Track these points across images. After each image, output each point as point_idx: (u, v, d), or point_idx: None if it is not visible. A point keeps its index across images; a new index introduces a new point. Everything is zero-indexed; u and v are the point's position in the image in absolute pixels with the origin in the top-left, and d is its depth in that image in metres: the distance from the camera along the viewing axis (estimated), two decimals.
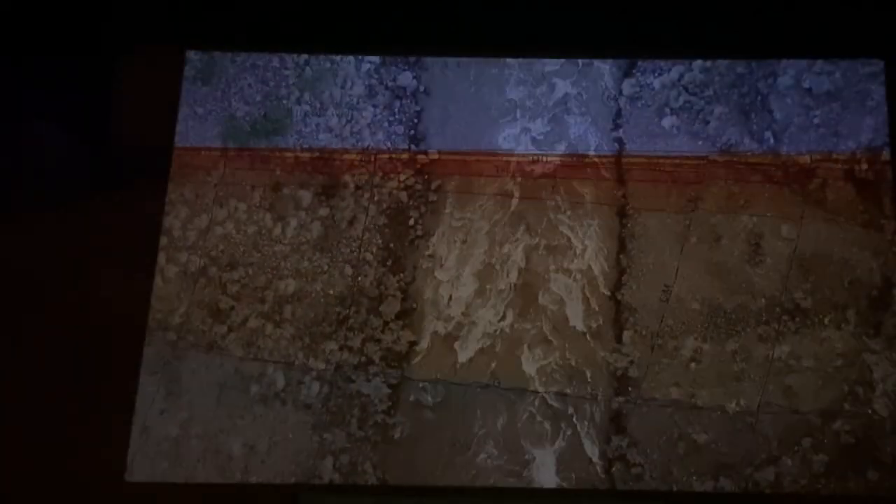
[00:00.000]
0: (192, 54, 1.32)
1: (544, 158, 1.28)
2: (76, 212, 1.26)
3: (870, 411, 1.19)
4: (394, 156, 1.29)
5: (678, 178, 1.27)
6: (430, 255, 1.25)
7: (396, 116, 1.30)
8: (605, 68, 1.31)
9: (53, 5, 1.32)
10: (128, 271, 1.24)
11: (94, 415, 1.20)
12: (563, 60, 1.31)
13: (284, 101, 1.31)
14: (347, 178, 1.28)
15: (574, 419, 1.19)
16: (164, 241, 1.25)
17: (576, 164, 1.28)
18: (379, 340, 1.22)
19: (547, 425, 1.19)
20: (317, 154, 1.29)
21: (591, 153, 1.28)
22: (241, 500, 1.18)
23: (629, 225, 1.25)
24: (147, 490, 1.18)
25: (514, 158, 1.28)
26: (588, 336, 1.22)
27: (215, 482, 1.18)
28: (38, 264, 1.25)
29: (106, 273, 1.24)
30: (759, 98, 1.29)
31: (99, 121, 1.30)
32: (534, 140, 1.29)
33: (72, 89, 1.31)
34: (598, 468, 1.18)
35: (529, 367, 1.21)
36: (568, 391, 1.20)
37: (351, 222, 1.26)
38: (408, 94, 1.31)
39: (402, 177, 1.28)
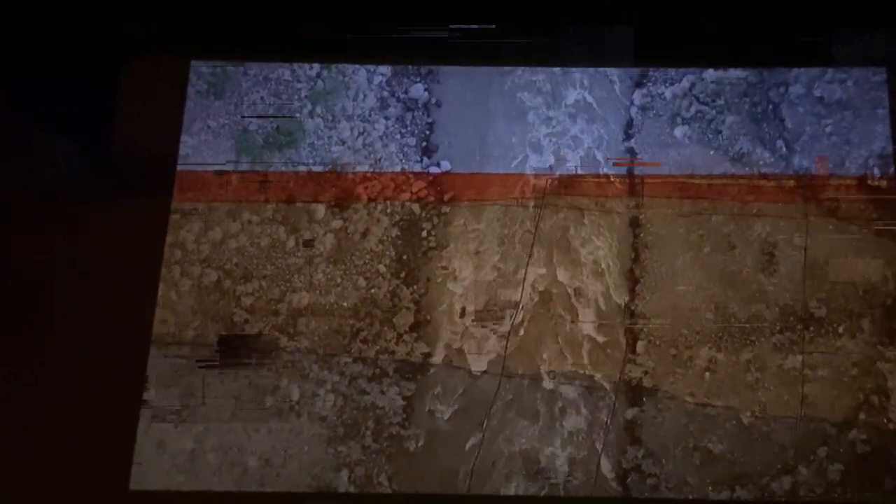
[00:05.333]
0: (200, 66, 1.37)
1: (557, 169, 1.33)
2: (80, 224, 1.31)
3: (885, 420, 1.23)
4: (406, 168, 1.33)
5: (691, 188, 1.31)
6: (443, 267, 1.30)
7: (408, 128, 1.35)
8: (616, 78, 1.36)
9: (57, 14, 1.37)
10: (133, 284, 1.29)
11: (100, 427, 1.24)
12: (574, 70, 1.36)
13: (297, 115, 1.36)
14: (360, 190, 1.33)
15: (589, 430, 1.24)
16: (177, 254, 1.30)
17: (588, 174, 1.33)
18: (393, 352, 1.27)
19: (562, 435, 1.23)
20: (329, 167, 1.34)
21: (603, 164, 1.33)
22: None
23: (642, 235, 1.30)
24: (151, 499, 1.22)
25: (526, 169, 1.33)
26: (602, 346, 1.26)
27: (225, 490, 1.23)
28: (43, 277, 1.29)
29: (111, 286, 1.29)
30: (770, 107, 1.34)
31: (102, 132, 1.34)
32: (546, 150, 1.34)
33: (74, 99, 1.36)
34: (613, 479, 1.22)
35: (543, 378, 1.25)
36: (582, 401, 1.24)
37: (364, 234, 1.31)
38: (419, 105, 1.36)
39: (415, 188, 1.33)
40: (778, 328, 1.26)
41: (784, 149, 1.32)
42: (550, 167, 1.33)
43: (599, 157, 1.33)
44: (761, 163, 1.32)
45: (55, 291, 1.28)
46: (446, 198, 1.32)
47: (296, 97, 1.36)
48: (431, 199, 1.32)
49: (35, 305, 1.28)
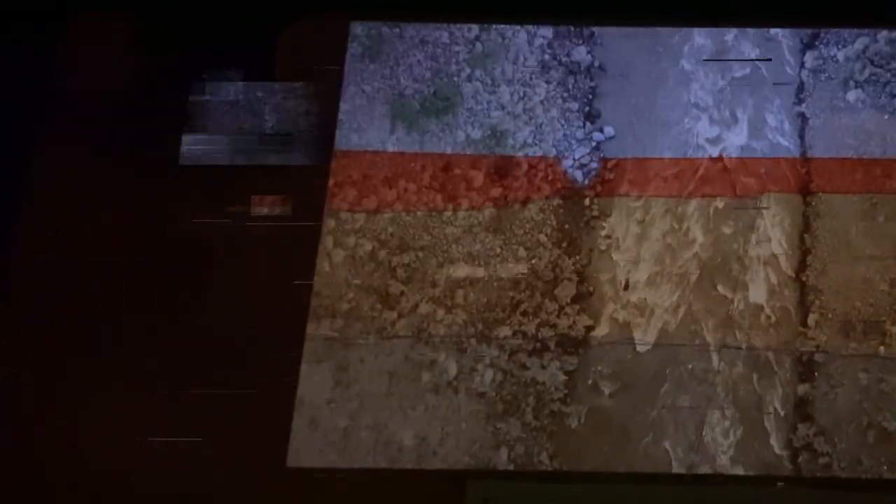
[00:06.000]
0: (357, 27, 1.34)
1: (726, 134, 1.29)
2: (234, 189, 1.29)
3: None
4: (568, 133, 1.30)
5: (864, 155, 1.28)
6: (606, 237, 1.26)
7: (571, 92, 1.31)
8: (785, 39, 1.32)
9: None
10: (289, 254, 1.26)
11: (255, 400, 1.21)
12: (743, 31, 1.32)
13: (455, 78, 1.32)
14: (520, 156, 1.29)
15: (758, 406, 1.19)
16: (331, 223, 1.28)
17: (758, 140, 1.29)
18: (554, 325, 1.23)
19: (729, 412, 1.19)
20: (488, 132, 1.30)
21: (774, 128, 1.29)
22: (411, 487, 1.19)
23: (813, 203, 1.26)
24: (310, 476, 1.19)
25: (694, 134, 1.29)
26: (772, 319, 1.22)
27: (380, 468, 1.20)
28: (196, 244, 1.27)
29: (266, 256, 1.26)
30: None
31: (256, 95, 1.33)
32: (714, 114, 1.30)
33: (233, 59, 1.34)
34: (784, 457, 1.18)
35: (711, 353, 1.21)
36: (751, 377, 1.20)
37: (524, 203, 1.28)
38: (582, 69, 1.32)
39: (577, 154, 1.29)
40: None
41: None
42: (719, 132, 1.29)
43: (768, 120, 1.29)
44: None
45: (212, 261, 1.26)
46: (610, 164, 1.28)
47: (454, 61, 1.33)
48: (594, 165, 1.29)
49: (189, 275, 1.26)
